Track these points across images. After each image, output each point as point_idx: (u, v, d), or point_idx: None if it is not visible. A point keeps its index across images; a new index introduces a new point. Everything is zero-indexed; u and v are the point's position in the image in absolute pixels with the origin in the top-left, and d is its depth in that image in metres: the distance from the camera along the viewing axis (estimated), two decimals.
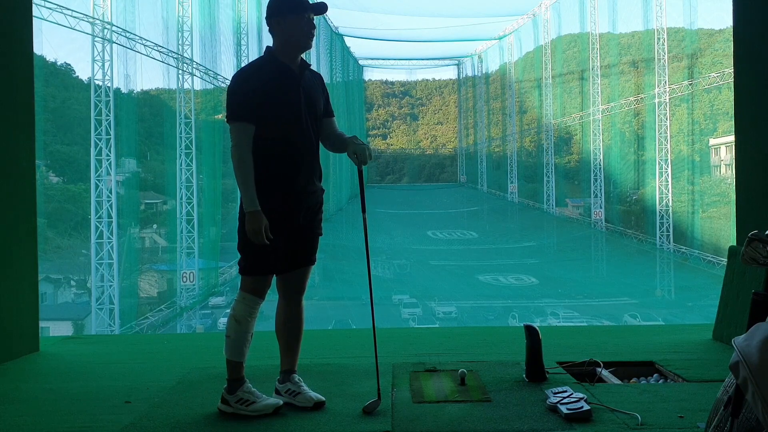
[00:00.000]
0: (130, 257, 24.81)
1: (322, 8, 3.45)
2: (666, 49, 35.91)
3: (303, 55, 3.55)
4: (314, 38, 3.45)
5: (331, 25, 47.00)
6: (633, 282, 34.16)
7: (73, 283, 30.20)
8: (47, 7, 22.58)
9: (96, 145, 23.13)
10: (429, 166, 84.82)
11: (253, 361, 3.66)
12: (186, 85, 27.79)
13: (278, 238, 3.39)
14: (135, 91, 28.29)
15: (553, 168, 46.59)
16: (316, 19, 3.50)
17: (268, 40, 3.57)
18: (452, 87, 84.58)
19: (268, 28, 3.50)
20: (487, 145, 62.87)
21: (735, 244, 5.39)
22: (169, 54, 26.72)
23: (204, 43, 27.93)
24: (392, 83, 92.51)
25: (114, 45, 24.47)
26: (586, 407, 3.37)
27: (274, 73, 3.42)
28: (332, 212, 47.28)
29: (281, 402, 3.53)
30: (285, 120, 3.42)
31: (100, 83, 23.92)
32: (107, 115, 23.40)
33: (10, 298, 5.15)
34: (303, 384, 3.64)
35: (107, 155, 23.00)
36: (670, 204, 35.27)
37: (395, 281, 37.56)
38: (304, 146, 3.47)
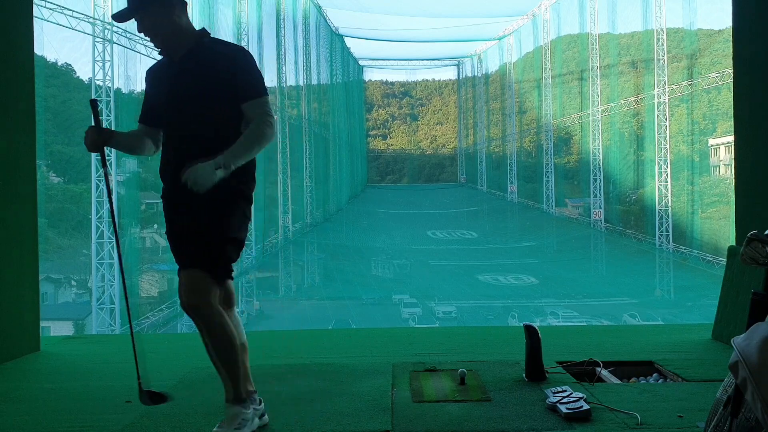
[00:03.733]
0: (130, 257, 24.82)
1: (115, 17, 3.24)
2: (665, 50, 35.92)
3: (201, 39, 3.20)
4: (155, 39, 3.14)
5: (331, 25, 47.00)
6: (632, 282, 34.19)
7: (73, 282, 30.21)
8: (48, 8, 22.60)
9: None
10: (429, 166, 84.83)
11: (254, 361, 3.66)
12: None
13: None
14: (135, 92, 28.26)
15: (552, 168, 46.58)
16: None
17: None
18: (452, 87, 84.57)
19: None
20: (486, 146, 62.87)
21: (734, 244, 5.40)
22: None
23: None
24: (392, 83, 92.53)
25: (114, 45, 24.48)
26: (586, 407, 3.37)
27: (155, 67, 3.31)
28: (332, 212, 47.29)
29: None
30: (156, 115, 3.26)
31: (101, 83, 23.95)
32: (108, 115, 23.42)
33: (11, 298, 5.16)
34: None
35: (108, 155, 22.95)
36: (670, 204, 35.28)
37: (395, 281, 37.59)
38: (171, 140, 3.20)
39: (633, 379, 4.33)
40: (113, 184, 23.59)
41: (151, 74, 3.26)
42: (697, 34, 36.07)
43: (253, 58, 3.21)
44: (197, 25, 3.25)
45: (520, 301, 32.79)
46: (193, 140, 3.07)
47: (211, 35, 3.25)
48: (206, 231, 3.04)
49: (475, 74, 65.36)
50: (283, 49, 36.43)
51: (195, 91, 3.07)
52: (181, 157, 3.03)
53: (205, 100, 3.06)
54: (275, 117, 3.15)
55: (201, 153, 2.97)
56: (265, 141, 3.07)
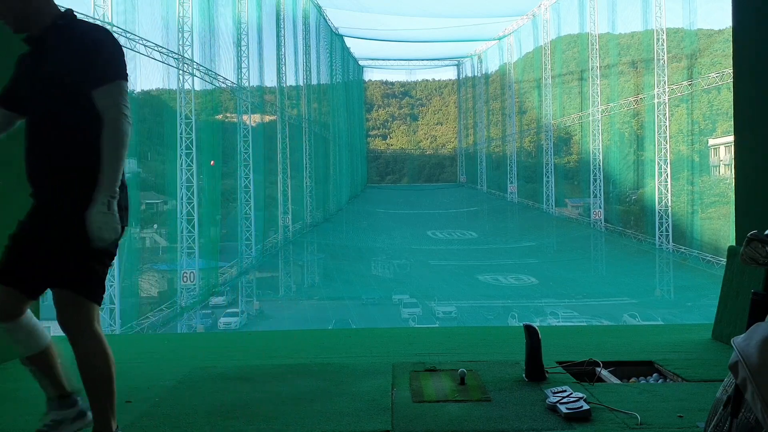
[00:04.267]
0: (130, 257, 24.81)
1: None
2: (665, 50, 35.96)
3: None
4: (8, 21, 2.84)
5: (331, 25, 47.02)
6: (632, 282, 34.24)
7: None
8: None
9: None
10: (429, 166, 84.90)
11: (254, 360, 3.66)
12: (186, 86, 27.81)
13: None
14: (135, 92, 28.29)
15: (552, 168, 46.64)
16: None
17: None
18: (452, 87, 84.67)
19: None
20: (486, 146, 62.94)
21: (734, 244, 5.40)
22: (170, 54, 26.73)
23: (204, 43, 27.96)
24: (392, 83, 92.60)
25: None
26: (586, 407, 3.37)
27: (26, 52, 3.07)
28: (332, 212, 47.33)
29: None
30: (10, 98, 3.06)
31: None
32: None
33: None
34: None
35: None
36: (670, 204, 35.31)
37: (395, 281, 37.63)
38: (27, 127, 3.00)
39: (633, 379, 4.33)
40: None
41: (20, 57, 3.03)
42: (697, 34, 36.10)
43: (115, 40, 2.87)
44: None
45: (520, 301, 32.84)
46: (43, 128, 2.84)
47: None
48: (80, 248, 2.73)
49: (475, 74, 65.47)
50: (283, 49, 36.47)
51: (44, 75, 2.80)
52: (32, 146, 2.86)
53: (54, 83, 2.78)
54: (129, 107, 2.81)
55: (50, 142, 2.83)
56: (127, 138, 2.74)
